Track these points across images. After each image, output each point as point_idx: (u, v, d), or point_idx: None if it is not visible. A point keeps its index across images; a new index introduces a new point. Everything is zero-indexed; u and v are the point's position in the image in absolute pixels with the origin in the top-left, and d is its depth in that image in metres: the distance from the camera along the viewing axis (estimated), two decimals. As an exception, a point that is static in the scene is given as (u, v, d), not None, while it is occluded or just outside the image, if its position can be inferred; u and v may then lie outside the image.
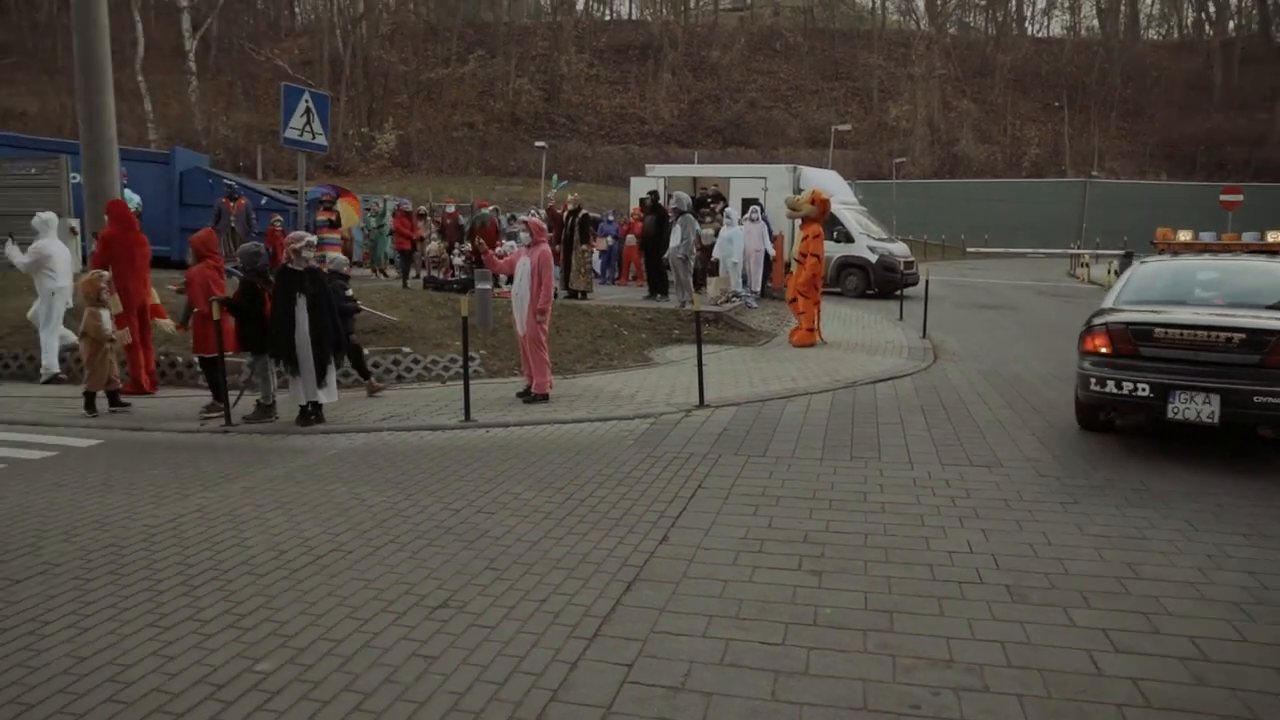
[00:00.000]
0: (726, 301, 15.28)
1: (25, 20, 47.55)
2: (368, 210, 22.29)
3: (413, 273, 18.57)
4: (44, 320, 10.65)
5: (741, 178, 21.00)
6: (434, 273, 17.64)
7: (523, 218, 11.47)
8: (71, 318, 10.78)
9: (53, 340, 10.67)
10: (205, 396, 9.25)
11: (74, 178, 16.94)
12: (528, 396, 9.21)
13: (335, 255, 10.24)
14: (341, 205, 19.16)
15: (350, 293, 9.99)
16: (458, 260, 17.29)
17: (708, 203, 19.25)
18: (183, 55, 45.04)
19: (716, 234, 16.26)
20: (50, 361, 10.65)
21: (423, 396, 9.73)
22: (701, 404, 8.84)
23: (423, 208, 21.20)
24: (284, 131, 9.77)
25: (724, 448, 7.32)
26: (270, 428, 8.38)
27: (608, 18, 57.19)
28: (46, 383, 10.56)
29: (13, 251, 10.83)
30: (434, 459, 7.12)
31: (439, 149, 42.35)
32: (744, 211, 17.23)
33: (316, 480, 6.57)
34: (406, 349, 10.80)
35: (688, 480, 6.39)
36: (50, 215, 11.03)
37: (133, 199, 11.73)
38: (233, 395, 8.73)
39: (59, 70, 41.74)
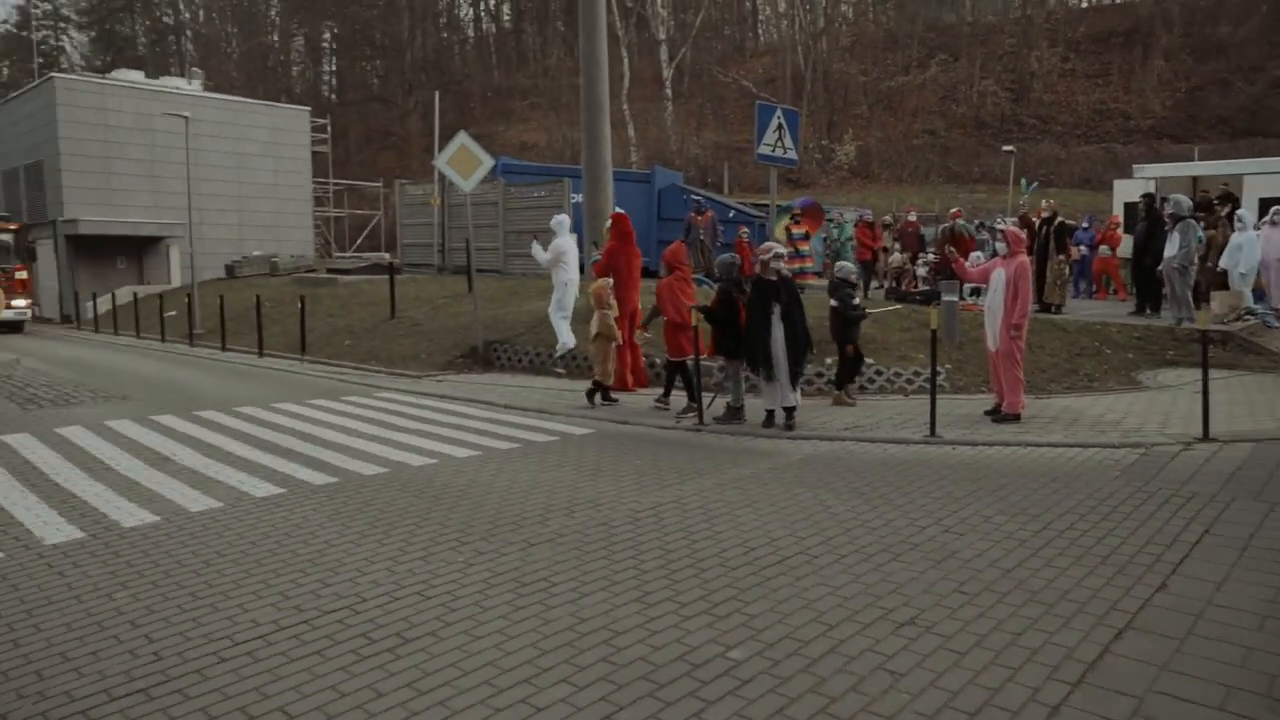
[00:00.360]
0: (1237, 319, 13.09)
1: (539, 67, 55.84)
2: (829, 221, 22.74)
3: (874, 283, 18.54)
4: (555, 307, 12.49)
5: (1259, 174, 17.89)
6: (896, 283, 17.47)
7: (999, 226, 10.88)
8: (578, 321, 12.48)
9: (563, 324, 12.45)
10: (679, 397, 10.07)
11: (574, 198, 19.51)
12: (997, 415, 8.74)
13: (843, 264, 10.48)
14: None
15: (857, 300, 10.19)
16: (921, 271, 16.94)
17: (1212, 205, 16.68)
18: (660, 83, 49.78)
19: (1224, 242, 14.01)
20: (566, 339, 12.50)
21: (885, 409, 9.66)
22: (1206, 437, 7.65)
23: (887, 218, 21.04)
24: (757, 148, 10.30)
25: (1237, 490, 6.26)
26: (738, 429, 8.89)
27: (1084, 5, 52.25)
28: (560, 358, 12.50)
29: (536, 249, 12.83)
30: (898, 472, 7.03)
31: (898, 158, 41.87)
32: (1262, 214, 14.65)
33: (782, 483, 6.83)
34: (869, 360, 10.81)
35: (1190, 523, 5.57)
36: (564, 216, 12.89)
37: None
38: (705, 397, 9.41)
39: (563, 106, 48.37)
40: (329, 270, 29.04)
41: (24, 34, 71.39)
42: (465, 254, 18.91)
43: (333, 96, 63.42)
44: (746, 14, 56.75)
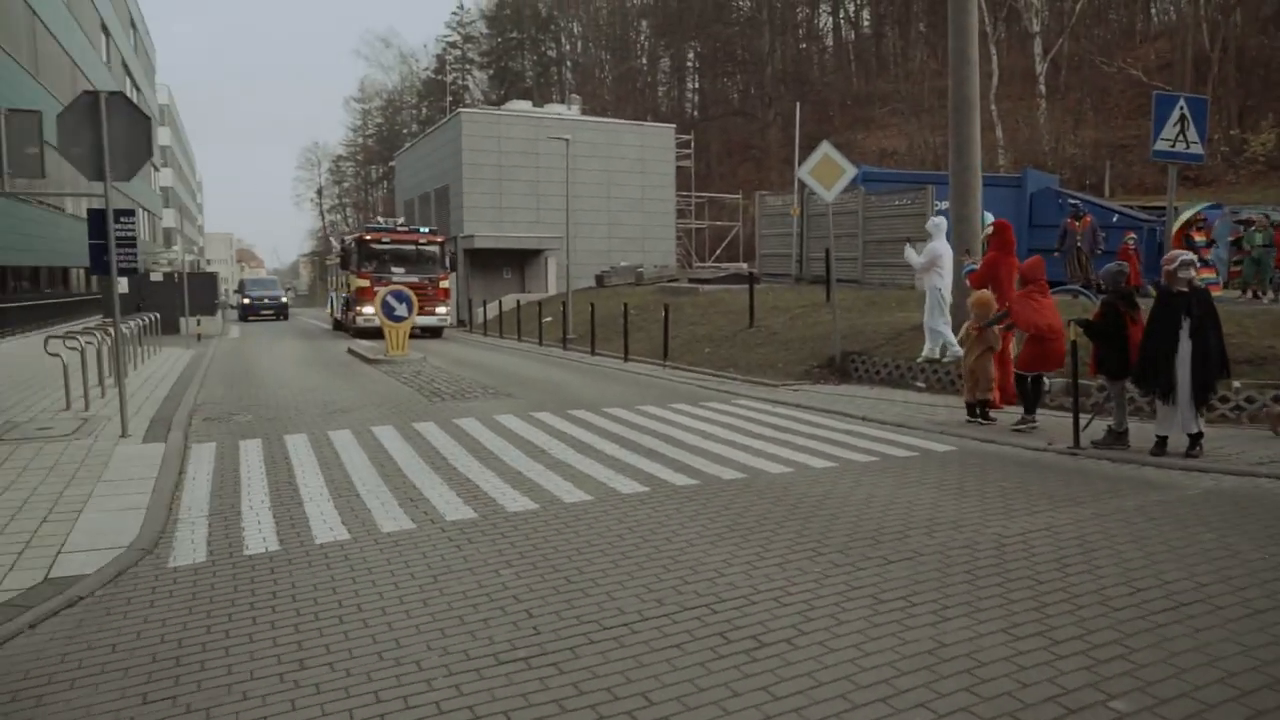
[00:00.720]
0: None
1: (900, 71, 54.34)
2: (1241, 223, 19.83)
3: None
4: (933, 314, 12.10)
5: None
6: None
7: None
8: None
9: (946, 329, 12.13)
10: (1062, 420, 9.27)
11: (938, 205, 18.72)
12: None
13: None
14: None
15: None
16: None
17: None
18: (1032, 80, 46.21)
19: None
20: (948, 339, 12.19)
21: (1308, 439, 8.22)
22: None
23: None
24: (1154, 144, 9.20)
25: None
26: (1121, 456, 8.02)
27: None
28: (941, 360, 12.24)
29: (910, 253, 12.52)
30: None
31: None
32: None
33: (1176, 519, 6.03)
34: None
35: None
36: (941, 219, 12.43)
37: (987, 218, 12.44)
38: (1083, 419, 8.59)
39: (925, 110, 46.64)
40: (690, 280, 30.45)
41: (440, 78, 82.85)
42: (824, 264, 18.89)
43: (695, 113, 66.46)
44: (1136, -7, 51.09)
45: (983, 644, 4.12)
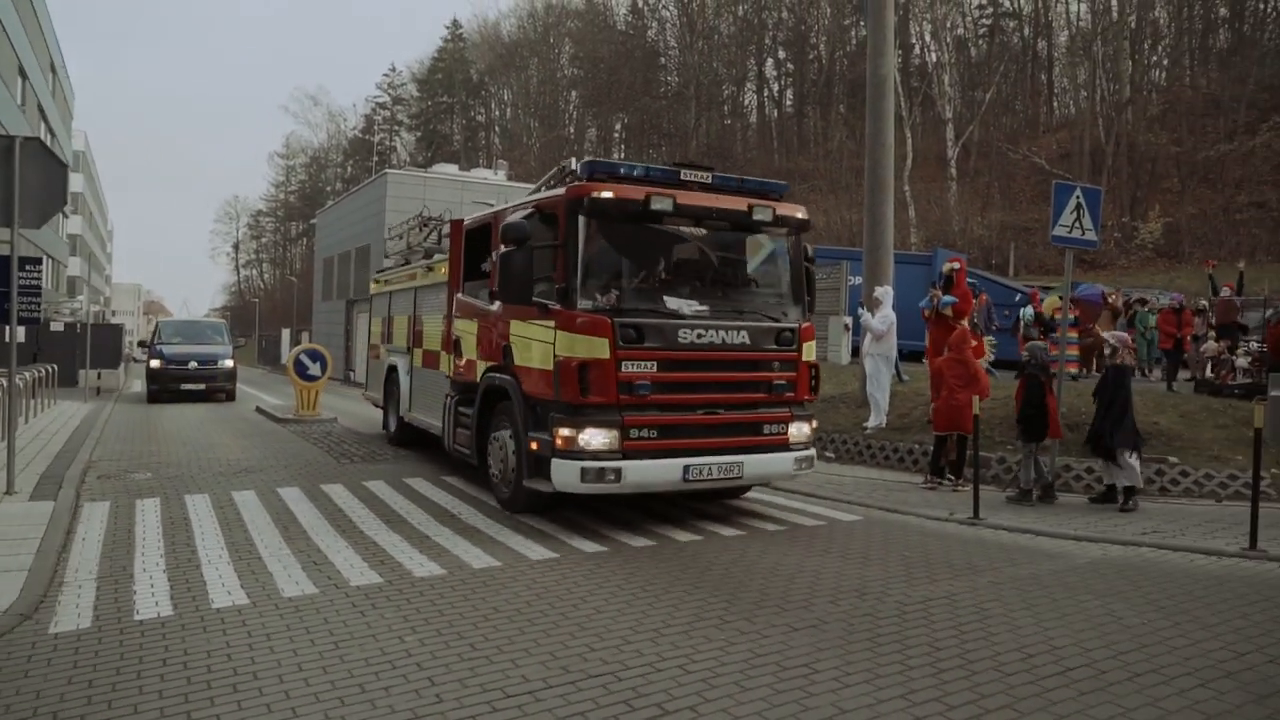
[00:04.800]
0: None
1: (820, 150, 56.37)
2: (1140, 301, 20.94)
3: (1183, 374, 16.72)
4: (874, 380, 12.42)
5: None
6: (1212, 374, 15.65)
7: None
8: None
9: (880, 395, 12.50)
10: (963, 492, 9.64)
11: (851, 280, 19.33)
12: None
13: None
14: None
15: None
16: (1241, 361, 15.08)
17: None
18: (944, 163, 48.41)
19: None
20: (882, 409, 12.52)
21: (1193, 514, 8.64)
22: None
23: (1203, 301, 19.01)
24: (1053, 229, 9.71)
25: None
26: (1016, 525, 8.30)
27: None
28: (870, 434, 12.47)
29: (867, 318, 12.82)
30: (1207, 587, 6.24)
31: (1215, 235, 37.69)
32: None
33: (1066, 588, 6.27)
34: (1173, 459, 9.74)
35: None
36: (888, 288, 12.78)
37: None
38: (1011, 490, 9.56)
39: (843, 188, 48.33)
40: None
41: (367, 137, 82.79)
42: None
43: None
44: (1041, 87, 54.19)
45: (882, 710, 4.20)
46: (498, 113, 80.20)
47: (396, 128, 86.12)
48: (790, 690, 4.42)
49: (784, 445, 8.23)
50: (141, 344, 29.20)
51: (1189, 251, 37.93)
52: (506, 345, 8.57)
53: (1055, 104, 54.93)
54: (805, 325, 8.45)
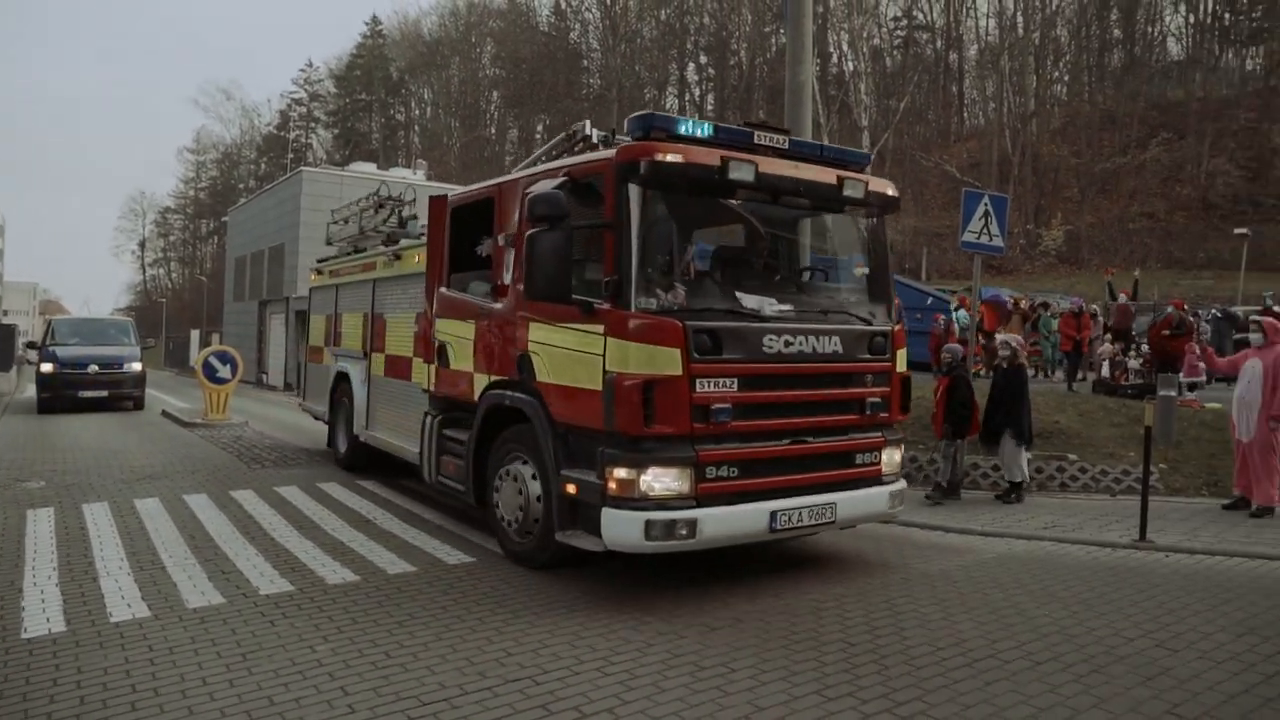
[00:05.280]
0: None
1: (740, 154, 57.10)
2: (1043, 306, 21.72)
3: (1080, 375, 17.45)
4: None
5: None
6: (1108, 375, 16.36)
7: (1255, 316, 10.27)
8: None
9: None
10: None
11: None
12: (1253, 512, 8.41)
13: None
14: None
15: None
16: (1134, 364, 15.80)
17: None
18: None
19: None
20: None
21: (1089, 509, 9.01)
22: None
23: (1094, 306, 19.85)
24: (962, 235, 10.02)
25: None
26: (928, 523, 8.54)
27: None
28: None
29: None
30: (1102, 578, 6.51)
31: (1111, 243, 39.47)
32: None
33: (973, 582, 6.47)
34: (1073, 456, 10.14)
35: None
36: None
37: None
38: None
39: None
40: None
41: (282, 134, 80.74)
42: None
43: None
44: (952, 98, 55.90)
45: (798, 706, 4.27)
46: (418, 112, 79.11)
47: (313, 125, 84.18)
48: (707, 690, 4.47)
49: (877, 478, 6.68)
50: (31, 345, 24.75)
51: (1088, 258, 39.59)
52: (524, 355, 6.61)
53: (965, 115, 56.74)
54: (897, 328, 6.94)
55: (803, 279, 7.14)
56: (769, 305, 6.15)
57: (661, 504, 5.63)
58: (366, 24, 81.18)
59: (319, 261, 13.09)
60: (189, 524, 8.17)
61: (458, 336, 7.71)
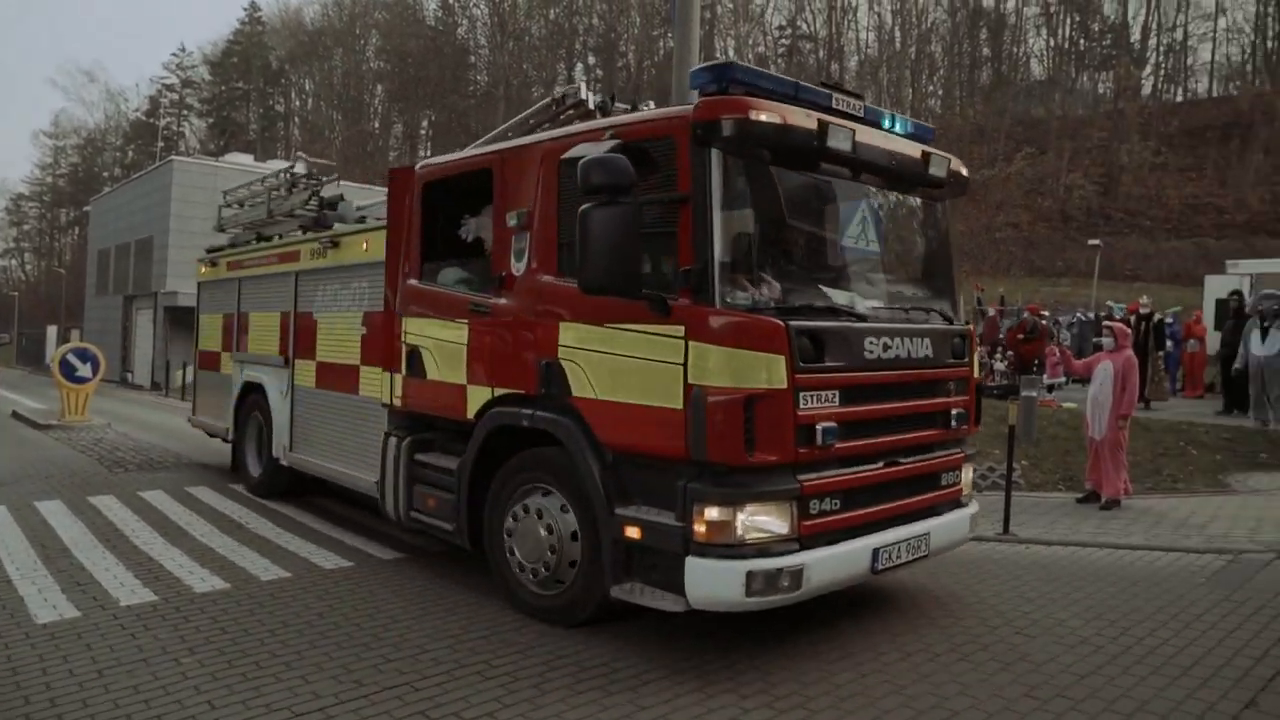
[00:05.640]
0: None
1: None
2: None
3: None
4: None
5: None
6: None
7: (1107, 322, 10.99)
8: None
9: None
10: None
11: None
12: (1102, 505, 8.94)
13: None
14: None
15: None
16: (999, 365, 16.62)
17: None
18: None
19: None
20: None
21: (956, 503, 9.44)
22: (1301, 545, 7.29)
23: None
24: (842, 240, 10.32)
25: (1336, 604, 5.93)
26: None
27: (1180, 99, 51.76)
28: None
29: None
30: (969, 570, 6.81)
31: (980, 251, 41.45)
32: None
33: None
34: (941, 453, 10.60)
35: (1283, 637, 5.28)
36: None
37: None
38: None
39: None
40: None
41: (152, 121, 76.80)
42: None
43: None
44: (830, 107, 57.70)
45: (680, 704, 4.32)
46: (298, 103, 76.58)
47: (185, 112, 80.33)
48: (590, 690, 4.47)
49: (957, 500, 5.92)
50: None
51: (958, 264, 41.40)
52: (551, 364, 5.41)
53: (842, 123, 58.56)
54: (970, 327, 6.25)
55: (888, 270, 6.02)
56: (859, 302, 5.32)
57: (761, 549, 4.59)
58: (245, 9, 78.00)
59: (210, 252, 11.37)
60: (40, 532, 7.69)
61: (439, 340, 6.36)
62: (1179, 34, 51.47)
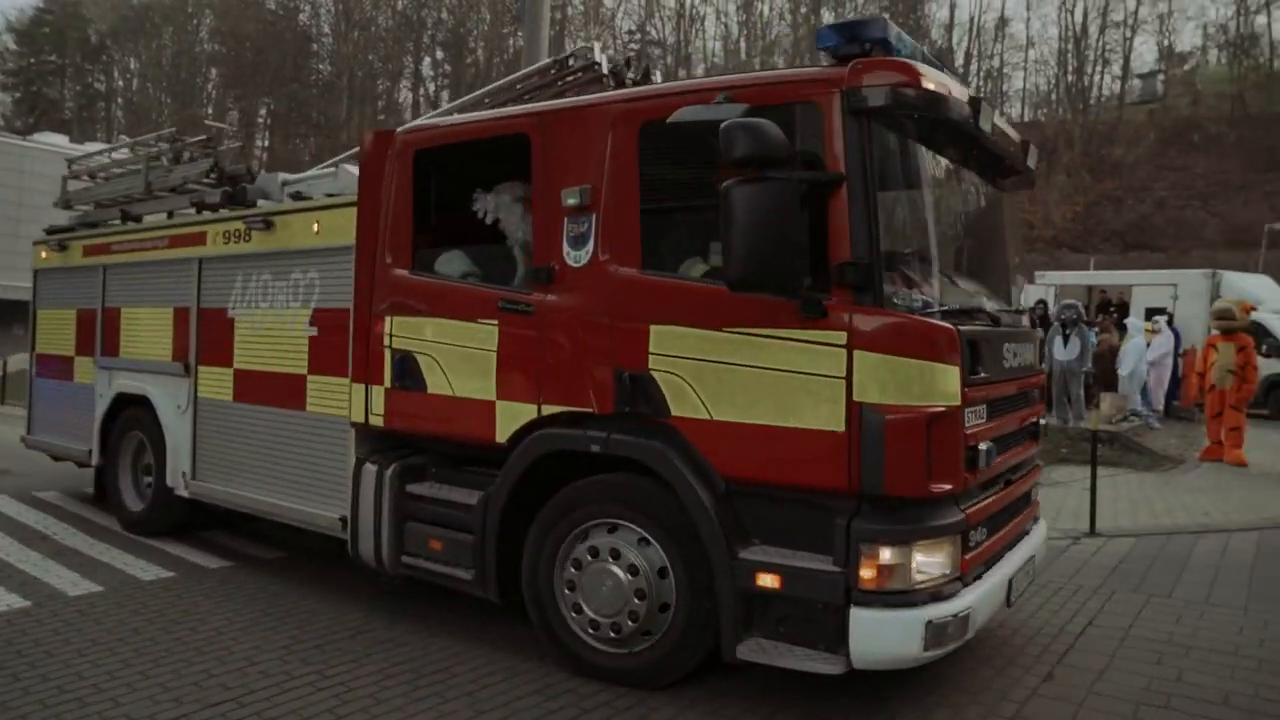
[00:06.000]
0: (1123, 420, 13.83)
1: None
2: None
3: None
4: None
5: (1147, 285, 19.20)
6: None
7: None
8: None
9: None
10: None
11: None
12: None
13: None
14: None
15: None
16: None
17: (1109, 311, 17.95)
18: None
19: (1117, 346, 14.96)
20: None
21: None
22: (1092, 532, 8.06)
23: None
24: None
25: (1119, 583, 6.57)
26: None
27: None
28: None
29: None
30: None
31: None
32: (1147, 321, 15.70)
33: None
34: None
35: (1075, 615, 5.80)
36: None
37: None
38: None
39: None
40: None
41: (-56, 93, 70.03)
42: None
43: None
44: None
45: (518, 707, 4.32)
46: (121, 82, 71.55)
47: (-14, 86, 73.71)
48: (428, 698, 4.40)
49: (1038, 515, 5.52)
50: None
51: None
52: (638, 377, 4.46)
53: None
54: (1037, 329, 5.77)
55: (988, 266, 5.37)
56: (980, 300, 4.72)
57: (934, 593, 3.96)
58: (57, -24, 72.28)
59: (52, 233, 9.10)
60: None
61: (451, 345, 5.19)
62: (996, 61, 55.34)
